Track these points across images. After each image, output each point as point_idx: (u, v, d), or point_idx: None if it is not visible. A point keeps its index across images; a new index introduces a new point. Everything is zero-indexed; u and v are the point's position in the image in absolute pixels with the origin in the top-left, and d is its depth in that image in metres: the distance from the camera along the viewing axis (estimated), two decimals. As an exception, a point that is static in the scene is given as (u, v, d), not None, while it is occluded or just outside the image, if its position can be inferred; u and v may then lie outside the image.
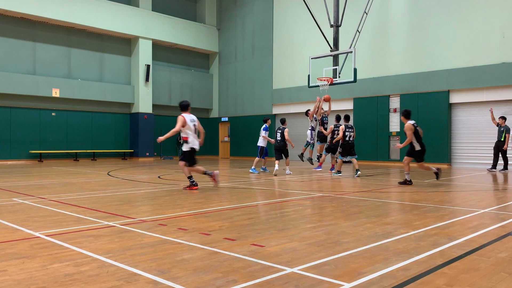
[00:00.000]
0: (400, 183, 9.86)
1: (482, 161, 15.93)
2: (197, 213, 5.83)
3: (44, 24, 20.72)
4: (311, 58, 16.75)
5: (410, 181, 9.81)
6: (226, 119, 26.59)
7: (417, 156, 9.79)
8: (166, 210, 6.11)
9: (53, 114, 21.18)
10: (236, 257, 3.58)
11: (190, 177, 8.66)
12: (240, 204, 6.75)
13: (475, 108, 17.13)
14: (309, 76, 16.71)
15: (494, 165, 14.27)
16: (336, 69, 15.91)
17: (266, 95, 24.24)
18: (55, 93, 20.77)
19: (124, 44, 23.77)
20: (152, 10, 24.25)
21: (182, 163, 8.64)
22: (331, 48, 16.32)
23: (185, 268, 3.26)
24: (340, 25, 16.46)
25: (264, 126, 13.65)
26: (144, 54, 23.60)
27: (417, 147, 9.69)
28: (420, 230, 4.69)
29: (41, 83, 20.34)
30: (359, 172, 12.14)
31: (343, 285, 2.90)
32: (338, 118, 13.32)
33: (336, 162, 13.29)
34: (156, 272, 3.17)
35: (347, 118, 12.96)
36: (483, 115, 16.65)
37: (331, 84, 15.95)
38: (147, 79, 23.57)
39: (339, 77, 15.84)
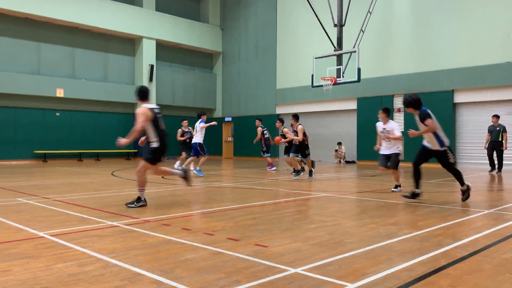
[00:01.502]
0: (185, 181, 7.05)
1: (486, 161, 15.84)
2: (201, 213, 5.84)
3: (48, 24, 20.79)
4: (315, 58, 16.72)
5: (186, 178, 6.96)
6: (230, 119, 26.58)
7: (153, 154, 6.45)
8: (169, 210, 6.12)
9: (57, 114, 21.25)
10: (240, 257, 3.58)
11: None
12: (243, 204, 6.75)
13: (480, 108, 17.05)
14: (312, 76, 16.69)
15: (494, 166, 13.72)
16: (339, 68, 15.89)
17: (269, 95, 24.23)
18: (59, 93, 20.84)
19: (127, 44, 23.81)
20: (156, 10, 24.27)
21: None
22: (334, 47, 16.29)
23: (188, 268, 3.27)
24: (344, 24, 16.42)
25: (201, 121, 12.26)
26: (148, 54, 23.64)
27: (155, 143, 6.41)
28: (424, 231, 4.67)
29: (45, 83, 20.41)
30: (301, 174, 11.64)
31: (346, 285, 2.90)
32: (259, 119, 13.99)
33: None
34: (160, 272, 3.18)
35: (281, 120, 13.37)
36: (487, 115, 16.54)
37: (335, 84, 15.94)
38: (150, 79, 23.60)
39: (342, 76, 15.82)
